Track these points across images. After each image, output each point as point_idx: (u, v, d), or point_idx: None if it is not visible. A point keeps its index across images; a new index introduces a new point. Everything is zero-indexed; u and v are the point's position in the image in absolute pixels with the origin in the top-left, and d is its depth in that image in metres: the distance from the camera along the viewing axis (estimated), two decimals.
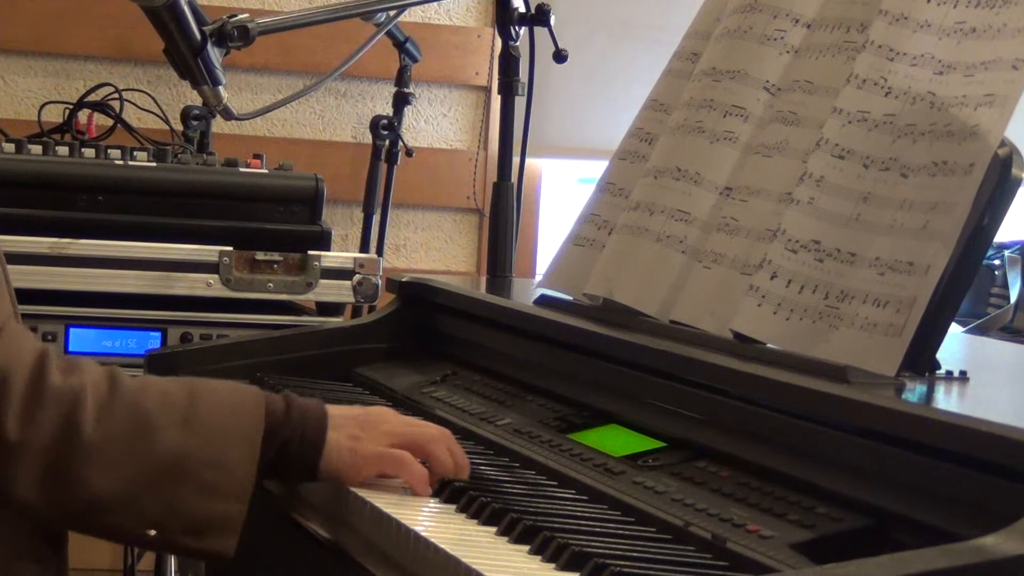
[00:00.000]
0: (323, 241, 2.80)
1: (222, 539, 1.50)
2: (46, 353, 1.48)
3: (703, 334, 1.71)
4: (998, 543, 1.15)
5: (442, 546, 1.36)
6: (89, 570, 1.67)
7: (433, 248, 4.26)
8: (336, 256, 2.78)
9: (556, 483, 1.61)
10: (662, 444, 1.66)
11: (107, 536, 1.53)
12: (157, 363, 2.18)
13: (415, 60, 3.83)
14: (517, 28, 2.60)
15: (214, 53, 2.24)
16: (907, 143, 1.59)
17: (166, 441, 1.48)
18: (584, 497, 1.56)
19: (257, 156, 3.02)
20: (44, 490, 1.46)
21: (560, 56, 2.63)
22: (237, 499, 1.50)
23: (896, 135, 1.61)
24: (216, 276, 2.69)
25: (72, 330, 2.65)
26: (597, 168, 2.23)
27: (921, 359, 1.54)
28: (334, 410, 1.60)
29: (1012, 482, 1.23)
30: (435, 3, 4.13)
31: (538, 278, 2.18)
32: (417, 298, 2.29)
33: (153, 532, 1.49)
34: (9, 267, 1.65)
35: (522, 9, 2.61)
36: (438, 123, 4.24)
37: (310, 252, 2.75)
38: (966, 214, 1.50)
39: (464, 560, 1.32)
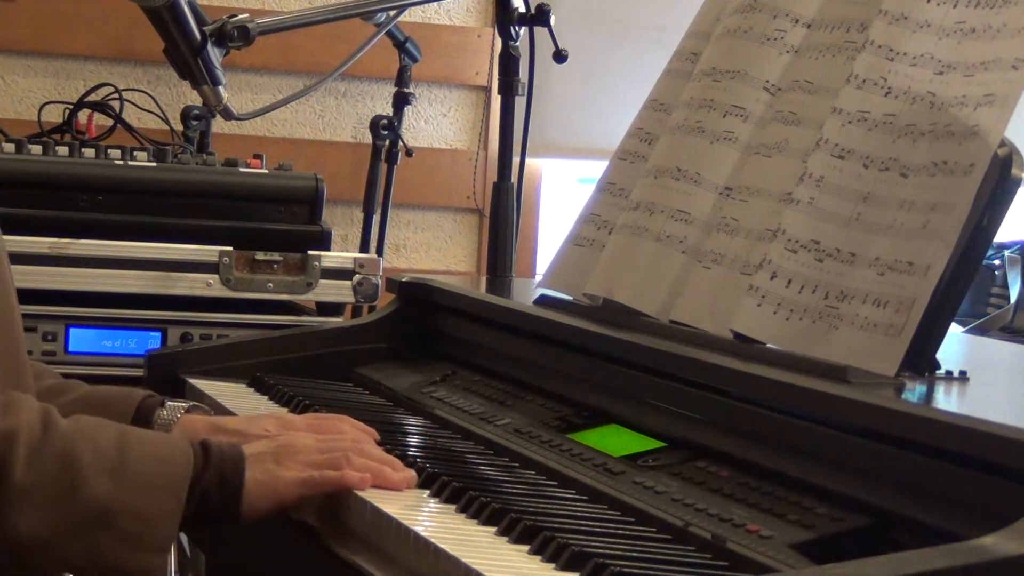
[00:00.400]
0: (323, 241, 2.80)
1: None
2: None
3: (703, 334, 1.71)
4: (998, 543, 1.15)
5: (442, 546, 1.36)
6: None
7: (433, 248, 4.26)
8: (336, 256, 2.78)
9: (556, 483, 1.61)
10: (662, 444, 1.66)
11: (24, 574, 1.54)
12: (157, 363, 2.18)
13: (415, 60, 3.83)
14: (517, 28, 2.60)
15: (214, 53, 2.24)
16: (907, 143, 1.59)
17: (94, 490, 1.49)
18: (584, 497, 1.56)
19: (257, 156, 3.03)
20: None
21: (560, 56, 2.63)
22: (158, 550, 1.51)
23: (896, 135, 1.61)
24: (216, 276, 2.69)
25: (72, 330, 2.65)
26: (597, 168, 2.23)
27: (921, 359, 1.54)
28: (250, 448, 1.59)
29: (1012, 482, 1.23)
30: (435, 3, 4.13)
31: (538, 278, 2.18)
32: (417, 298, 2.29)
33: None
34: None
35: (522, 9, 2.61)
36: (438, 123, 4.24)
37: (310, 252, 2.75)
38: (966, 214, 1.50)
39: (464, 560, 1.32)
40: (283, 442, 1.63)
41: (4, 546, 1.48)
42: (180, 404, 1.81)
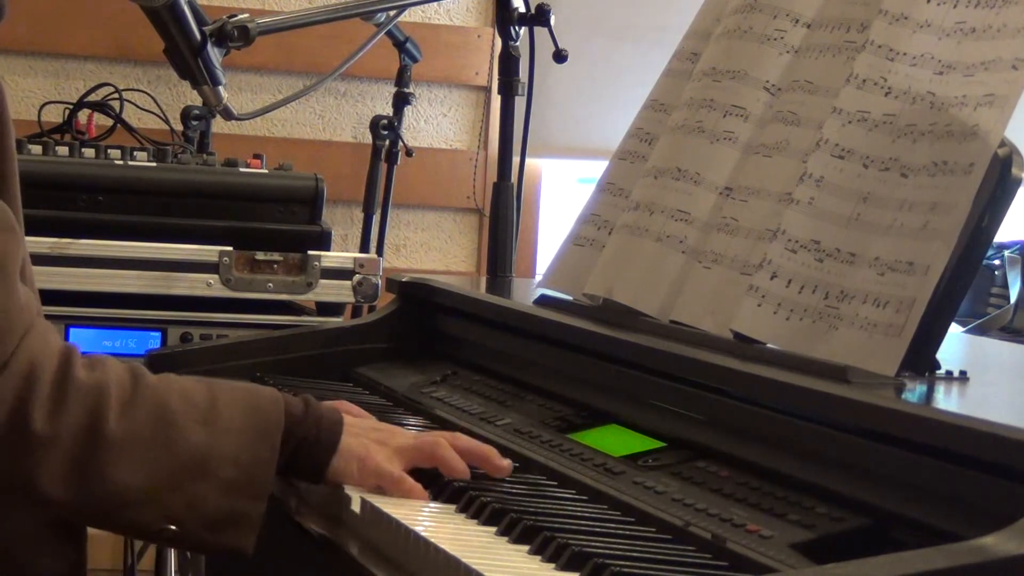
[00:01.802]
0: (323, 241, 2.80)
1: (240, 536, 1.52)
2: (71, 349, 1.50)
3: (703, 334, 1.71)
4: (998, 543, 1.15)
5: (442, 546, 1.36)
6: (90, 570, 1.67)
7: (433, 248, 4.26)
8: (336, 256, 2.78)
9: (556, 483, 1.61)
10: (662, 444, 1.66)
11: (127, 532, 1.55)
12: (157, 363, 2.17)
13: (415, 60, 3.83)
14: (517, 28, 2.60)
15: (214, 53, 2.24)
16: (907, 143, 1.59)
17: (188, 438, 1.50)
18: (584, 497, 1.56)
19: (257, 156, 3.02)
20: (68, 484, 1.47)
21: (560, 56, 2.63)
22: (257, 497, 1.51)
23: (896, 135, 1.61)
24: (216, 276, 2.69)
25: (72, 330, 2.65)
26: (597, 168, 2.23)
27: (921, 359, 1.54)
28: (351, 419, 1.62)
29: (1012, 482, 1.23)
30: (435, 3, 4.13)
31: (538, 278, 2.18)
32: (417, 298, 2.29)
33: (173, 527, 1.50)
34: None
35: (522, 9, 2.61)
36: (438, 123, 4.24)
37: (310, 252, 2.75)
38: (966, 214, 1.50)
39: (464, 560, 1.32)
40: (384, 425, 1.66)
41: (105, 500, 1.48)
42: None
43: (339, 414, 1.60)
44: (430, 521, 1.49)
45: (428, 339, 2.27)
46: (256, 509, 1.51)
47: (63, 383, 1.46)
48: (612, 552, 1.33)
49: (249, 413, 1.54)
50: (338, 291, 2.76)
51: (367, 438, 1.60)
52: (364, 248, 3.86)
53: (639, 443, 1.67)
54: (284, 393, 1.60)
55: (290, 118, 4.12)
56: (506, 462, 1.62)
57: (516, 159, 2.64)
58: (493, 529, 1.44)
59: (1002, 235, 2.10)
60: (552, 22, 2.61)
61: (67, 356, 1.49)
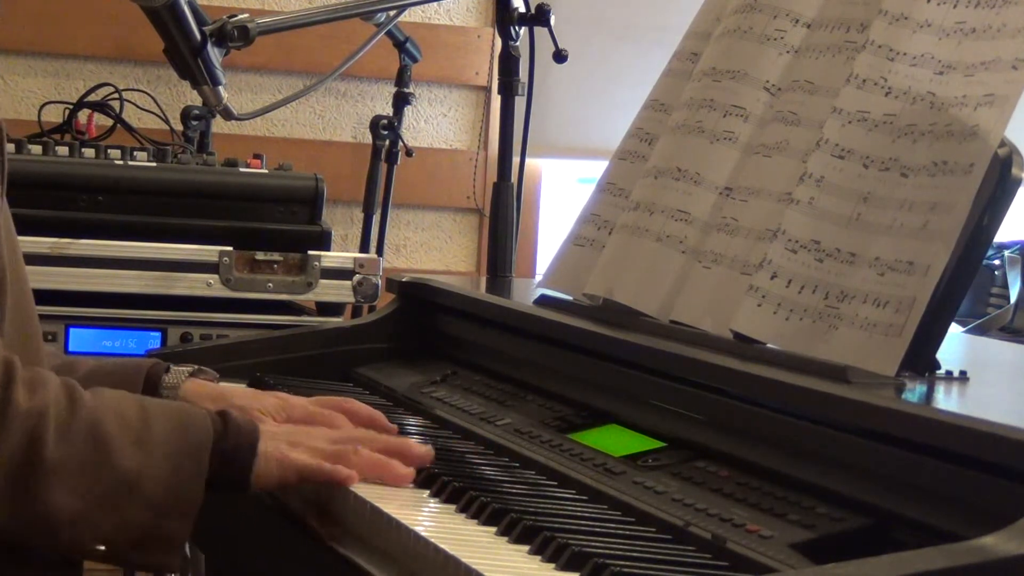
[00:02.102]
0: (323, 241, 2.80)
1: (167, 555, 1.54)
2: (10, 368, 1.50)
3: (703, 334, 1.71)
4: (998, 543, 1.15)
5: (442, 546, 1.36)
6: (89, 570, 1.68)
7: (433, 248, 4.26)
8: (336, 256, 2.78)
9: (556, 483, 1.61)
10: (662, 444, 1.66)
11: (57, 550, 1.56)
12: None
13: (415, 60, 3.83)
14: (517, 28, 2.60)
15: (214, 53, 2.24)
16: (907, 143, 1.59)
17: (122, 460, 1.51)
18: (584, 497, 1.56)
19: (257, 156, 3.02)
20: (5, 506, 1.48)
21: (560, 56, 2.63)
22: (184, 517, 1.53)
23: (896, 135, 1.61)
24: (216, 276, 2.69)
25: (72, 330, 2.65)
26: (597, 168, 2.23)
27: (921, 359, 1.54)
28: (266, 427, 1.63)
29: (1012, 482, 1.23)
30: (435, 3, 4.13)
31: (538, 278, 2.18)
32: (417, 298, 2.29)
33: (102, 547, 1.52)
34: None
35: (522, 9, 2.61)
36: (438, 123, 4.24)
37: (310, 252, 2.75)
38: (966, 214, 1.50)
39: (464, 560, 1.32)
40: (301, 428, 1.67)
41: (40, 522, 1.49)
42: (184, 368, 1.85)
43: (254, 424, 1.61)
44: (430, 521, 1.49)
45: (428, 339, 2.27)
46: (183, 529, 1.53)
47: (3, 408, 1.47)
48: (612, 552, 1.33)
49: (179, 434, 1.55)
50: (338, 291, 2.76)
51: (281, 441, 1.61)
52: (364, 248, 3.86)
53: (639, 443, 1.67)
54: (208, 410, 1.61)
55: (290, 118, 4.12)
56: (421, 450, 1.64)
57: (516, 159, 2.64)
58: (493, 529, 1.44)
59: (1002, 235, 2.10)
60: (552, 22, 2.61)
61: (7, 377, 1.49)
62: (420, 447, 1.65)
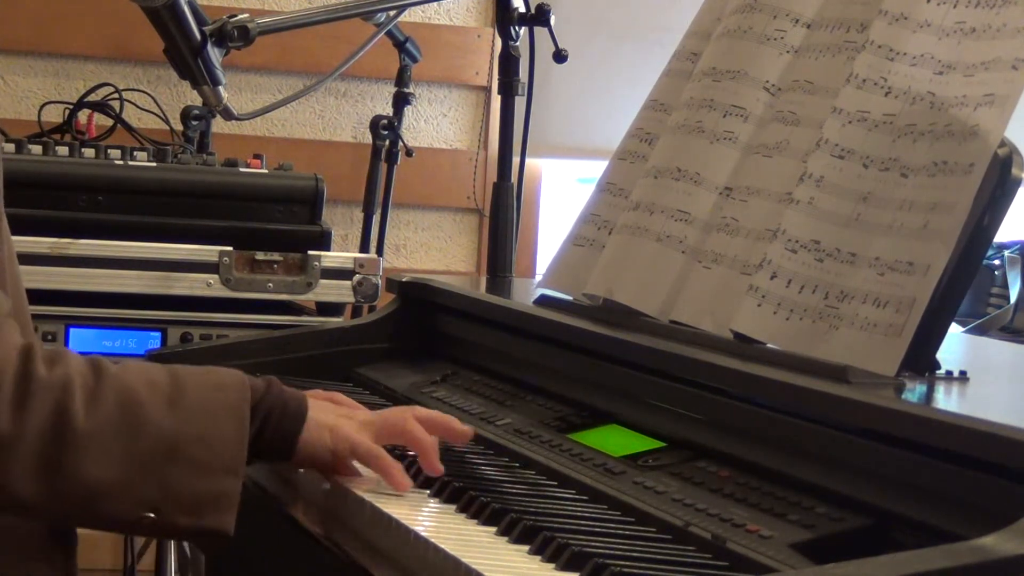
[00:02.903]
0: (323, 241, 2.80)
1: (220, 516, 1.50)
2: (31, 346, 1.49)
3: (703, 334, 1.71)
4: (998, 543, 1.15)
5: (442, 546, 1.36)
6: (90, 570, 1.67)
7: (433, 248, 4.26)
8: (336, 256, 2.78)
9: (556, 483, 1.61)
10: (662, 444, 1.66)
11: (107, 526, 1.53)
12: (157, 363, 2.17)
13: (415, 60, 3.83)
14: (517, 28, 2.60)
15: (214, 53, 2.24)
16: (907, 143, 1.59)
17: (155, 423, 1.49)
18: (584, 497, 1.56)
19: (257, 156, 3.02)
20: (39, 483, 1.45)
21: (560, 56, 2.63)
22: (231, 474, 1.50)
23: (896, 135, 1.61)
24: (216, 276, 2.69)
25: (72, 330, 2.65)
26: (597, 168, 2.23)
27: (921, 359, 1.54)
28: (313, 399, 1.62)
29: (1012, 482, 1.23)
30: (435, 3, 4.13)
31: (538, 278, 2.18)
32: (417, 298, 2.29)
33: (152, 515, 1.49)
34: None
35: (522, 9, 2.61)
36: (438, 123, 4.24)
37: (310, 252, 2.75)
38: (966, 214, 1.50)
39: (464, 560, 1.32)
40: (346, 401, 1.68)
41: (79, 496, 1.47)
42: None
43: (302, 392, 1.60)
44: (430, 521, 1.49)
45: (428, 339, 2.27)
46: (233, 486, 1.50)
47: (25, 381, 1.45)
48: (612, 552, 1.33)
49: (214, 391, 1.53)
50: (338, 291, 2.76)
51: (333, 412, 1.60)
52: (364, 248, 3.86)
53: (639, 443, 1.67)
54: (245, 372, 1.59)
55: (290, 118, 4.12)
56: (466, 428, 1.65)
57: (516, 159, 2.64)
58: (493, 529, 1.44)
59: (1002, 235, 2.10)
60: (552, 22, 2.61)
61: (27, 353, 1.47)
62: (462, 425, 1.65)
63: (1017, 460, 1.23)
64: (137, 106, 3.46)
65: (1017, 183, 1.54)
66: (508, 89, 2.61)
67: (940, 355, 1.57)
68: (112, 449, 1.47)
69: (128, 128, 3.25)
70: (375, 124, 3.84)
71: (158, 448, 1.48)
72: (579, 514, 1.48)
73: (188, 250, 2.69)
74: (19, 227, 2.58)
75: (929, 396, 1.51)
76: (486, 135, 4.21)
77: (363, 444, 1.57)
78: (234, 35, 2.25)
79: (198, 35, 2.22)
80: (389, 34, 3.53)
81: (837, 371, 1.50)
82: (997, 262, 3.49)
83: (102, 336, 2.66)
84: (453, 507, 1.52)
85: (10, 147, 2.76)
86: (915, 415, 1.37)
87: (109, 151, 2.80)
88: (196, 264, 2.68)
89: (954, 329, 2.56)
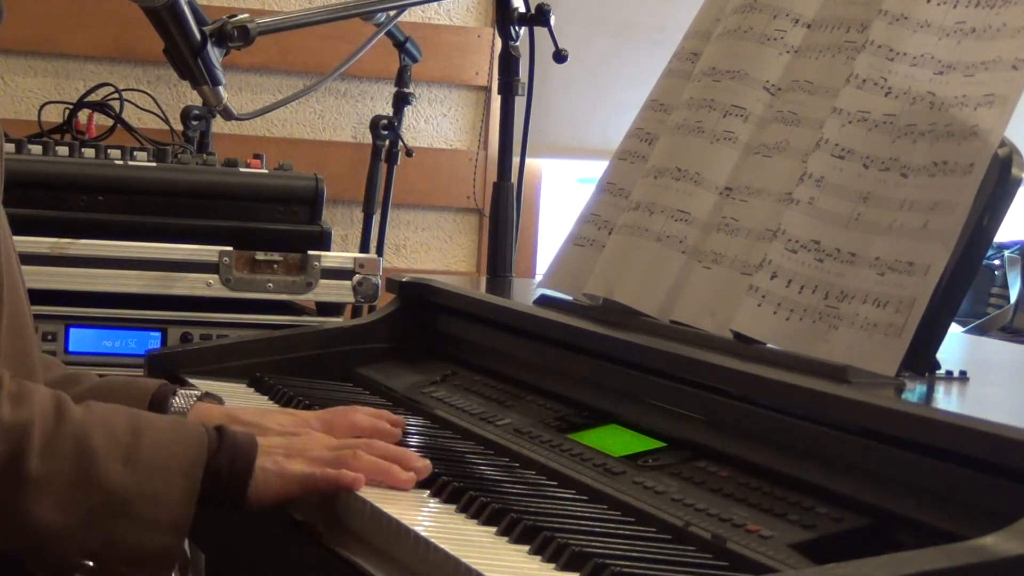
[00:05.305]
0: (323, 241, 2.80)
1: (157, 571, 1.52)
2: None
3: (703, 334, 1.71)
4: (998, 543, 1.15)
5: (442, 546, 1.36)
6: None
7: (433, 248, 4.26)
8: (336, 256, 2.78)
9: (556, 483, 1.61)
10: (662, 444, 1.66)
11: (44, 565, 1.55)
12: (157, 363, 2.18)
13: (415, 60, 3.83)
14: (517, 28, 2.60)
15: (214, 53, 2.24)
16: (907, 143, 1.59)
17: (108, 477, 1.50)
18: (584, 497, 1.56)
19: (257, 156, 3.03)
20: None
21: (560, 56, 2.63)
22: (174, 533, 1.51)
23: (896, 135, 1.61)
24: (216, 276, 2.69)
25: (72, 330, 2.65)
26: (597, 168, 2.23)
27: (921, 359, 1.54)
28: (264, 440, 1.61)
29: (1012, 482, 1.23)
30: (435, 3, 4.13)
31: (538, 278, 2.18)
32: (417, 298, 2.29)
33: (91, 563, 1.52)
34: None
35: (522, 9, 2.61)
36: (438, 123, 4.24)
37: (310, 252, 2.75)
38: (966, 214, 1.50)
39: (464, 560, 1.32)
40: (299, 438, 1.65)
41: (24, 537, 1.49)
42: (193, 392, 1.83)
43: (252, 438, 1.59)
44: (430, 521, 1.49)
45: (428, 339, 2.27)
46: (175, 546, 1.52)
47: None
48: (612, 552, 1.33)
49: (170, 450, 1.53)
50: (338, 291, 2.76)
51: (278, 454, 1.59)
52: (364, 248, 3.86)
53: (639, 443, 1.68)
54: (205, 426, 1.59)
55: (290, 118, 4.12)
56: (421, 465, 1.60)
57: (516, 159, 2.64)
58: (493, 529, 1.44)
59: (1002, 235, 2.11)
60: (552, 22, 2.61)
61: None
62: (420, 460, 1.61)
63: (1017, 460, 1.23)
64: (137, 106, 3.47)
65: (1017, 183, 1.54)
66: (508, 89, 2.61)
67: (940, 355, 1.57)
68: (62, 497, 1.48)
69: (128, 128, 3.25)
70: (375, 124, 3.84)
71: (108, 501, 1.49)
72: (579, 514, 1.48)
73: (188, 250, 2.69)
74: (19, 227, 2.58)
75: (929, 396, 1.51)
76: (486, 135, 4.21)
77: (308, 476, 1.56)
78: (234, 35, 2.25)
79: (198, 35, 2.21)
80: (389, 34, 3.53)
81: (837, 371, 1.50)
82: (997, 262, 3.49)
83: (102, 336, 2.66)
84: (453, 507, 1.52)
85: (10, 147, 2.76)
86: (915, 415, 1.37)
87: (109, 151, 2.80)
88: (196, 264, 2.69)
89: (954, 329, 2.56)
